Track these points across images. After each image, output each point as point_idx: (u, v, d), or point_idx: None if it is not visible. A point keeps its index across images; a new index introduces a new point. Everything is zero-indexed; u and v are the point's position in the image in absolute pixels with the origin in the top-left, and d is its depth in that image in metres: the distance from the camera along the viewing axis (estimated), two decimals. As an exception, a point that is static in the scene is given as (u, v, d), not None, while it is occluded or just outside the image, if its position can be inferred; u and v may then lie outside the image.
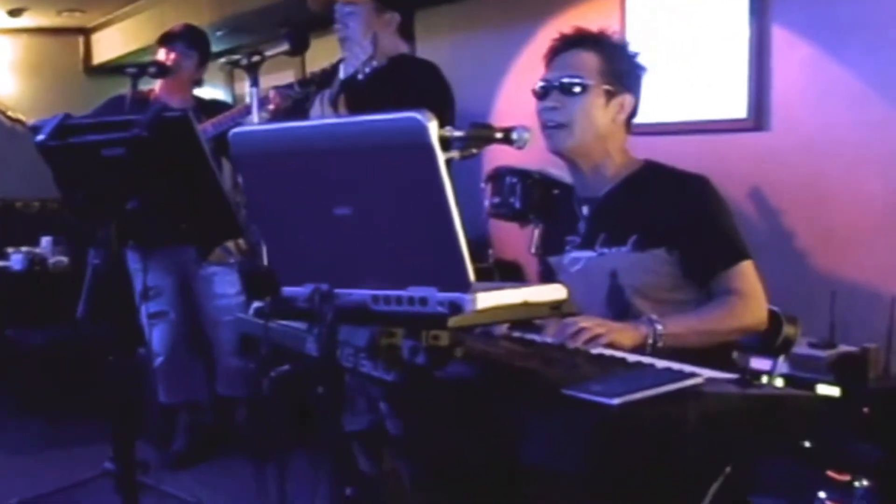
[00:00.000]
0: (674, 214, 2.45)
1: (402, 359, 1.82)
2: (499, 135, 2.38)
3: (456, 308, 1.63)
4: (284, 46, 3.57)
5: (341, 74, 3.51)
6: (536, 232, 4.28)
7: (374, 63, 3.48)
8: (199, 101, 4.77)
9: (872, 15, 3.82)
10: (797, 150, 4.10)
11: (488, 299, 1.67)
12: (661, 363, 1.97)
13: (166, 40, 4.67)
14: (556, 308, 1.80)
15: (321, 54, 3.91)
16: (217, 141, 4.00)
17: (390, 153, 1.61)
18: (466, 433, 1.86)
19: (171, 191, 2.77)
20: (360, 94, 3.49)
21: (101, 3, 8.25)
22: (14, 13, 8.37)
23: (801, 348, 3.43)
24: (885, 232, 3.79)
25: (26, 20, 8.71)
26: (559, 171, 3.84)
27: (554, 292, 1.80)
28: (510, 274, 5.20)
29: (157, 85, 4.67)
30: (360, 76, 3.49)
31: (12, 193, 7.98)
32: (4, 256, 6.61)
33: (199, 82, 4.86)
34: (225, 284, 4.58)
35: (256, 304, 1.99)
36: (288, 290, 1.85)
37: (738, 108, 4.29)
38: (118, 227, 2.84)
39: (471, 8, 5.94)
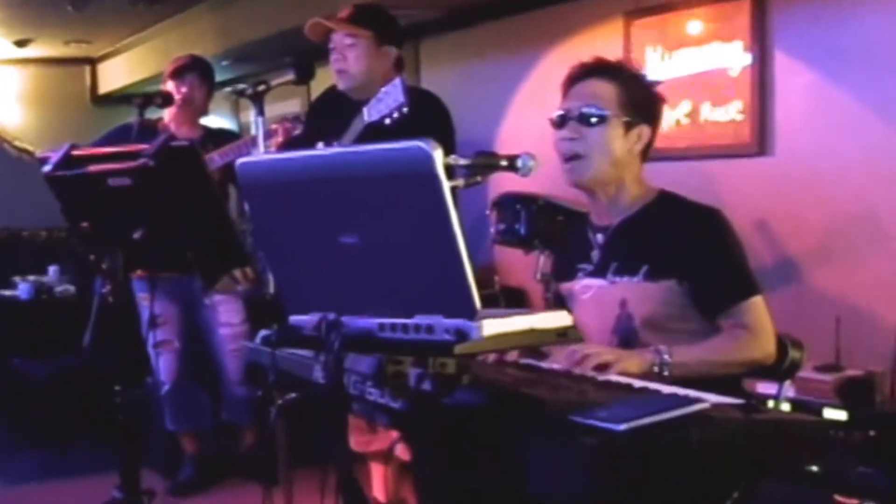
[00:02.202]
0: (685, 246, 2.45)
1: (409, 386, 1.82)
2: (504, 163, 2.39)
3: (462, 335, 1.64)
4: (290, 76, 3.58)
5: (366, 117, 3.47)
6: (542, 258, 4.29)
7: (405, 111, 3.45)
8: (208, 130, 4.79)
9: (874, 40, 3.84)
10: (800, 175, 4.11)
11: (494, 326, 1.67)
12: (666, 389, 1.97)
13: (178, 74, 4.69)
14: (562, 335, 1.80)
15: (326, 83, 3.93)
16: (224, 169, 4.02)
17: (396, 182, 1.63)
18: (473, 460, 1.86)
19: (177, 220, 2.78)
20: (386, 141, 3.46)
21: (108, 33, 8.30)
22: (21, 44, 8.42)
23: (806, 372, 3.43)
24: (889, 256, 3.79)
25: (33, 51, 8.75)
26: (565, 197, 3.86)
27: (560, 319, 1.81)
28: (515, 300, 5.20)
29: (166, 114, 4.69)
30: (387, 122, 3.46)
31: (19, 222, 8.00)
32: (11, 286, 6.62)
33: (205, 112, 4.89)
34: (230, 313, 4.59)
35: (263, 332, 1.99)
36: (295, 319, 1.86)
37: (741, 133, 4.30)
38: (125, 256, 2.85)
39: (475, 37, 5.97)
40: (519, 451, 1.74)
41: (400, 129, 3.40)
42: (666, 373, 2.30)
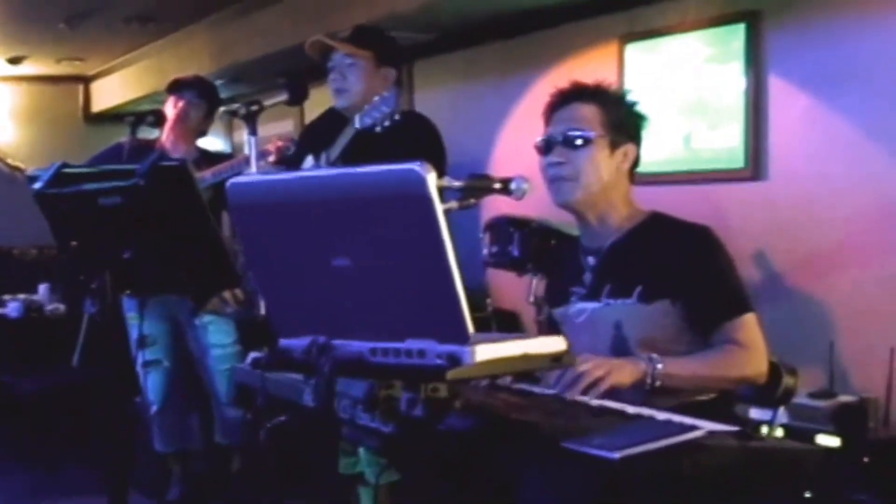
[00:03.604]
0: (677, 265, 2.45)
1: (400, 411, 1.80)
2: (497, 185, 2.38)
3: (455, 361, 1.62)
4: (283, 96, 3.57)
5: (356, 124, 3.50)
6: (534, 281, 4.27)
7: (398, 118, 3.47)
8: (204, 152, 4.76)
9: (870, 65, 3.84)
10: (795, 200, 4.10)
11: (487, 352, 1.65)
12: (661, 415, 1.95)
13: (176, 88, 4.67)
14: (556, 360, 1.78)
15: (320, 104, 3.92)
16: (217, 189, 4.00)
17: (388, 204, 1.61)
18: (465, 487, 1.83)
19: (168, 240, 2.75)
20: (373, 147, 3.48)
21: (101, 51, 8.30)
22: (14, 61, 8.41)
23: (800, 398, 3.42)
24: (883, 281, 3.78)
25: (26, 68, 8.75)
26: (558, 220, 3.84)
27: (554, 344, 1.79)
28: (508, 323, 5.18)
29: (163, 133, 4.66)
30: (377, 128, 3.48)
31: (10, 240, 7.98)
32: (1, 304, 6.59)
33: (203, 133, 4.86)
34: (220, 334, 4.56)
35: (254, 354, 1.96)
36: (285, 342, 1.84)
37: (735, 158, 4.30)
38: (114, 276, 2.82)
39: (469, 59, 5.98)
40: (511, 478, 1.71)
41: (389, 137, 3.42)
42: (658, 383, 2.30)
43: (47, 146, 8.78)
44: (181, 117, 4.59)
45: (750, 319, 2.45)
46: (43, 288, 6.73)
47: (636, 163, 2.58)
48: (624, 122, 2.55)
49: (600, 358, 2.30)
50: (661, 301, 2.44)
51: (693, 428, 1.73)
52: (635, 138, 2.57)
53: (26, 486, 5.25)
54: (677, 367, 2.35)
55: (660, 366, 2.31)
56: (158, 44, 7.82)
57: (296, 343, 1.80)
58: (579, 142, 2.48)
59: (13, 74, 8.99)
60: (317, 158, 3.55)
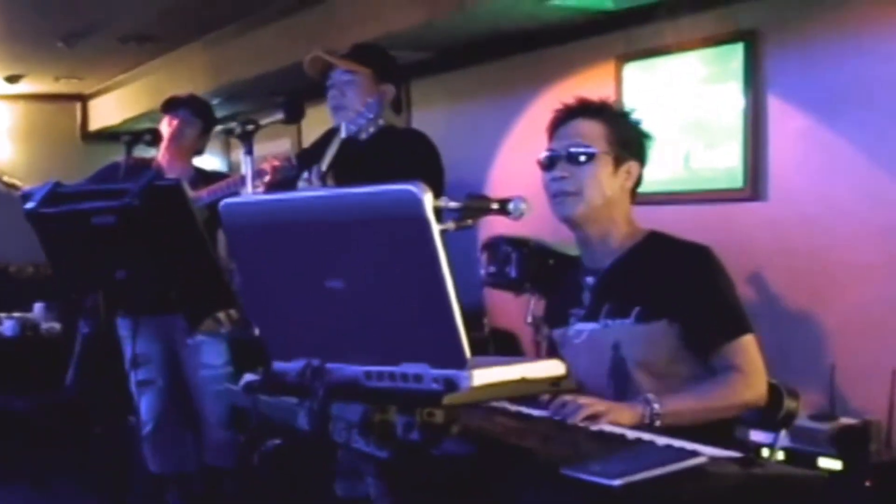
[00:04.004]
0: (676, 285, 2.42)
1: (396, 435, 1.77)
2: (495, 206, 2.36)
3: (451, 385, 1.59)
4: (279, 115, 3.55)
5: (343, 133, 3.49)
6: (533, 301, 4.25)
7: (381, 123, 3.47)
8: (200, 171, 4.74)
9: (868, 85, 3.83)
10: (794, 220, 4.08)
11: (485, 376, 1.62)
12: (661, 440, 1.92)
13: (171, 107, 4.66)
14: (555, 384, 1.75)
15: (316, 123, 3.90)
16: (212, 209, 3.97)
17: (384, 225, 1.58)
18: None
19: (162, 260, 2.73)
20: (359, 155, 3.48)
21: (99, 70, 8.29)
22: (11, 79, 8.40)
23: (801, 421, 3.39)
24: (884, 303, 3.76)
25: (24, 86, 8.74)
26: (556, 240, 3.82)
27: (553, 368, 1.76)
28: (505, 344, 5.15)
29: (159, 152, 4.64)
30: (363, 135, 3.48)
31: (6, 258, 7.95)
32: (-4, 322, 6.55)
33: (200, 152, 4.83)
34: (212, 354, 4.51)
35: (247, 377, 1.93)
36: (278, 365, 1.80)
37: (734, 178, 4.28)
38: (107, 296, 2.79)
39: (466, 78, 5.97)
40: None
41: (375, 143, 3.42)
42: (657, 423, 2.25)
43: (45, 164, 8.75)
44: (176, 136, 4.57)
45: (749, 341, 2.42)
46: (38, 306, 6.69)
47: (639, 182, 2.56)
48: (628, 140, 2.53)
49: (600, 399, 2.27)
50: (659, 321, 2.41)
51: (694, 454, 1.70)
52: (639, 156, 2.55)
53: (20, 504, 5.23)
54: (675, 404, 2.30)
55: (657, 406, 2.27)
56: (156, 62, 7.82)
57: (290, 366, 1.77)
58: (583, 158, 2.46)
59: (11, 93, 8.99)
60: (309, 172, 3.53)
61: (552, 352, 2.70)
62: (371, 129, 3.48)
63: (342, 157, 3.47)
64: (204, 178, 4.56)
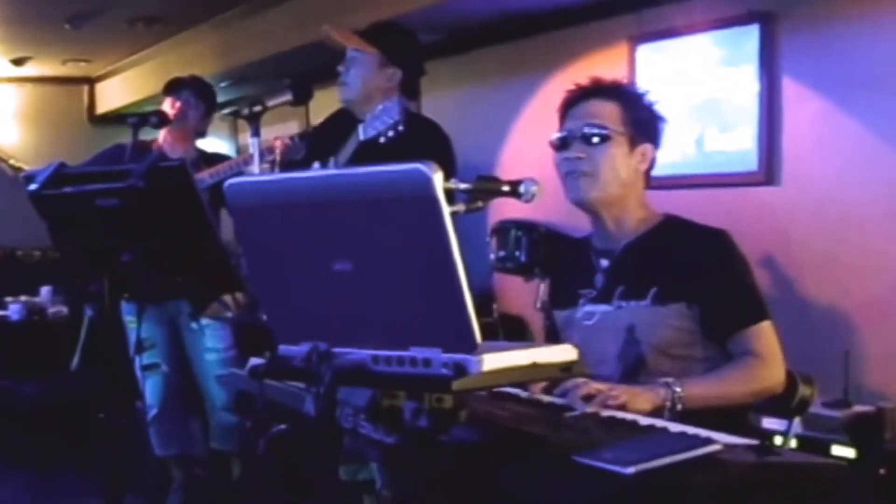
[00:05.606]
0: (695, 269, 2.39)
1: (404, 421, 1.73)
2: (506, 188, 2.32)
3: (461, 370, 1.55)
4: (287, 97, 3.50)
5: (361, 135, 3.45)
6: (542, 286, 4.21)
7: (401, 129, 3.41)
8: (202, 153, 4.72)
9: (884, 68, 3.78)
10: (808, 204, 4.04)
11: (495, 361, 1.58)
12: (674, 427, 1.88)
13: (172, 89, 4.64)
14: (566, 370, 1.71)
15: (325, 104, 3.86)
16: (214, 191, 3.93)
17: (393, 206, 1.53)
18: (471, 501, 1.77)
19: (166, 243, 2.69)
20: (379, 159, 3.43)
21: (106, 52, 8.27)
22: (18, 62, 8.39)
23: (815, 408, 3.34)
24: (899, 289, 3.72)
25: (31, 69, 8.73)
26: (566, 224, 3.78)
27: (564, 353, 1.72)
28: (515, 328, 5.12)
29: (160, 135, 4.62)
30: (381, 139, 3.42)
31: (13, 242, 7.93)
32: (2, 306, 6.53)
33: (202, 134, 4.81)
34: (216, 338, 4.51)
35: (253, 361, 1.89)
36: (284, 349, 1.77)
37: (748, 162, 4.23)
38: (112, 279, 2.76)
39: (476, 61, 5.92)
40: (519, 492, 1.66)
41: (394, 147, 3.37)
42: (679, 407, 2.22)
43: (52, 147, 8.72)
44: (178, 118, 4.55)
45: (767, 327, 2.40)
46: (45, 290, 6.68)
47: (652, 165, 2.51)
48: (643, 121, 2.49)
49: (616, 384, 2.23)
50: (677, 304, 2.38)
51: (708, 441, 1.66)
52: (654, 139, 2.51)
53: (23, 490, 5.21)
54: (697, 388, 2.28)
55: (678, 389, 2.23)
56: (163, 45, 7.79)
57: (296, 350, 1.73)
58: (597, 139, 2.42)
59: (18, 75, 8.98)
60: (324, 165, 3.49)
61: (552, 333, 2.66)
62: (391, 133, 3.42)
63: (360, 159, 3.43)
64: (206, 160, 4.54)
